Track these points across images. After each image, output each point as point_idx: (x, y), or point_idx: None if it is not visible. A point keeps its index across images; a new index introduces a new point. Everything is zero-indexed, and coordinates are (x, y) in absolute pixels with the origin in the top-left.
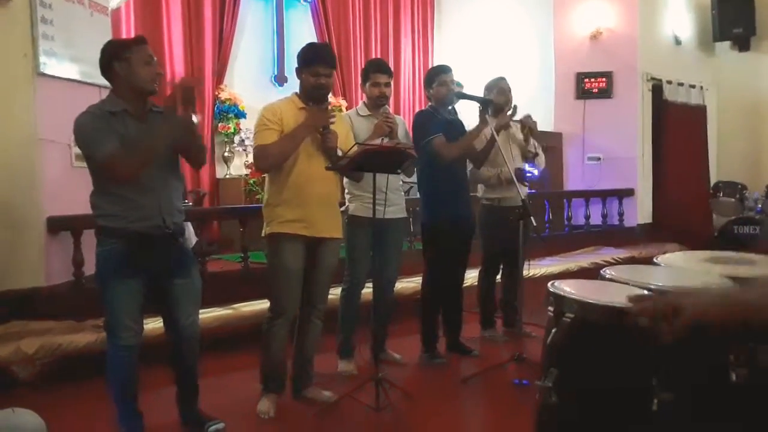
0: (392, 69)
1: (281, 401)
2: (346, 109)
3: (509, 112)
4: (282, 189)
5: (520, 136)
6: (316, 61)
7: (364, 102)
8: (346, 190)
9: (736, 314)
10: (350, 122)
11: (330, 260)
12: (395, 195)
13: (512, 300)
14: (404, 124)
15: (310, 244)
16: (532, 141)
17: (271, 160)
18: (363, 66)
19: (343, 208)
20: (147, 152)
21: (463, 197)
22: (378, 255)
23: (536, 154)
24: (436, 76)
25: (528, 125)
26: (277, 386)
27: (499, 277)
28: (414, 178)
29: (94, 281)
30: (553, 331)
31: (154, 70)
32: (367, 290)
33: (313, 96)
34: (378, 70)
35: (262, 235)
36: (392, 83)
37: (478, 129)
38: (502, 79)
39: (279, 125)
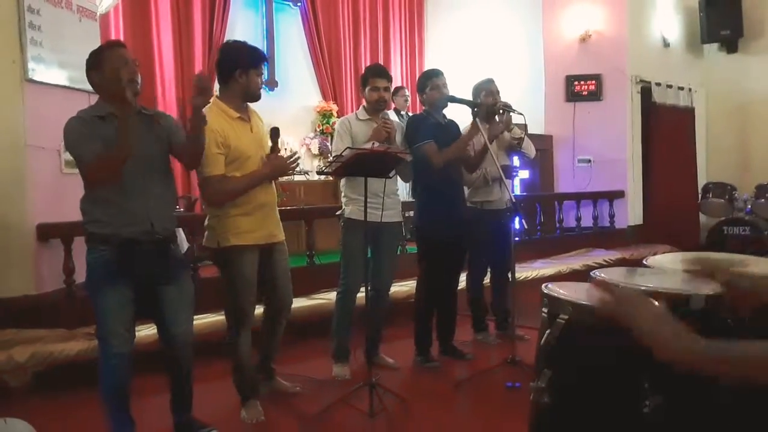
0: None
1: (271, 409)
2: (338, 114)
3: (501, 116)
4: (237, 200)
5: (506, 134)
6: (259, 60)
7: (363, 106)
8: (342, 194)
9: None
10: (349, 126)
11: (286, 261)
12: (391, 199)
13: (503, 303)
14: (403, 128)
15: (263, 251)
16: (512, 126)
17: (232, 197)
18: (362, 71)
19: (338, 212)
20: (120, 148)
21: (456, 199)
22: (373, 258)
23: (521, 138)
24: (428, 81)
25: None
26: (254, 392)
27: (488, 280)
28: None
29: (85, 288)
30: (547, 332)
31: (130, 70)
32: (360, 294)
33: (251, 98)
34: (377, 74)
35: (212, 246)
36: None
37: (469, 136)
38: (490, 80)
39: (226, 147)
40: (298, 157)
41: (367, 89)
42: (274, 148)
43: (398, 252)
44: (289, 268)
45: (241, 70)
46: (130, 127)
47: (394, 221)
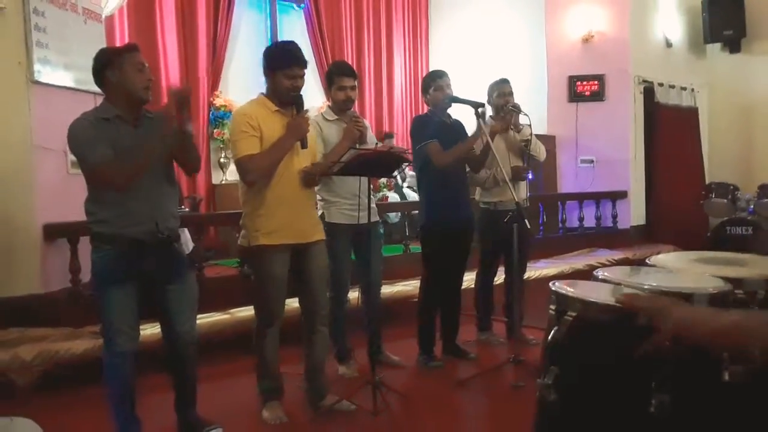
0: (385, 73)
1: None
2: None
3: (505, 116)
4: (265, 197)
5: (515, 136)
6: (292, 61)
7: (329, 106)
8: (318, 197)
9: (723, 340)
10: (318, 128)
11: (321, 263)
12: (366, 198)
13: (513, 304)
14: (369, 127)
15: (297, 251)
16: (521, 127)
17: (261, 172)
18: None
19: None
20: (139, 165)
21: (462, 200)
22: (362, 260)
23: (528, 141)
24: (432, 81)
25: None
26: (277, 394)
27: (501, 281)
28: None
29: (90, 288)
30: (554, 329)
31: (146, 77)
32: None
33: (288, 99)
34: (343, 73)
35: (244, 245)
36: (383, 88)
37: (473, 139)
38: (504, 81)
39: (258, 131)
40: (309, 116)
41: (333, 89)
42: (299, 111)
43: (401, 251)
44: (326, 269)
45: (268, 70)
46: (151, 135)
47: (375, 220)
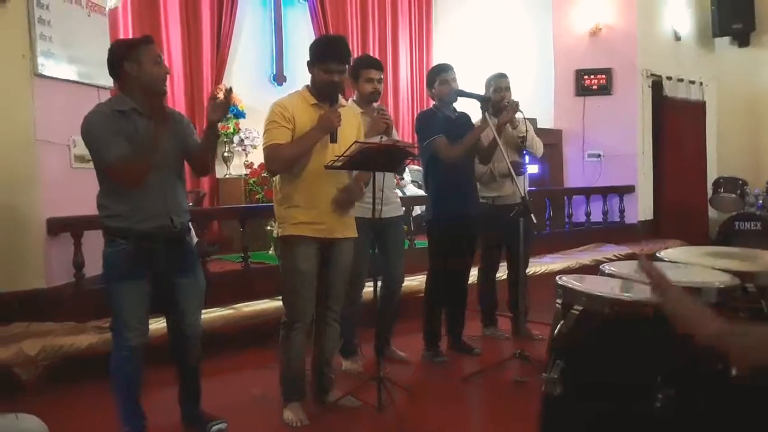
0: (391, 67)
1: (278, 402)
2: None
3: (507, 110)
4: (295, 189)
5: (511, 131)
6: (329, 56)
7: (353, 99)
8: None
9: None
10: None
11: (345, 260)
12: (390, 193)
13: (516, 300)
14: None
15: (324, 246)
16: (516, 123)
17: (284, 162)
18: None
19: None
20: (149, 157)
21: (468, 194)
22: (382, 255)
23: (524, 137)
24: (438, 75)
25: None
26: (298, 395)
27: (505, 277)
28: None
29: (101, 281)
30: (561, 323)
31: (164, 70)
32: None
33: (324, 93)
34: (370, 65)
35: (275, 235)
36: (389, 82)
37: (480, 130)
38: (501, 76)
39: (291, 123)
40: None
41: (360, 81)
42: (332, 105)
43: (406, 246)
44: (349, 268)
45: (310, 62)
46: (162, 131)
47: (397, 215)
